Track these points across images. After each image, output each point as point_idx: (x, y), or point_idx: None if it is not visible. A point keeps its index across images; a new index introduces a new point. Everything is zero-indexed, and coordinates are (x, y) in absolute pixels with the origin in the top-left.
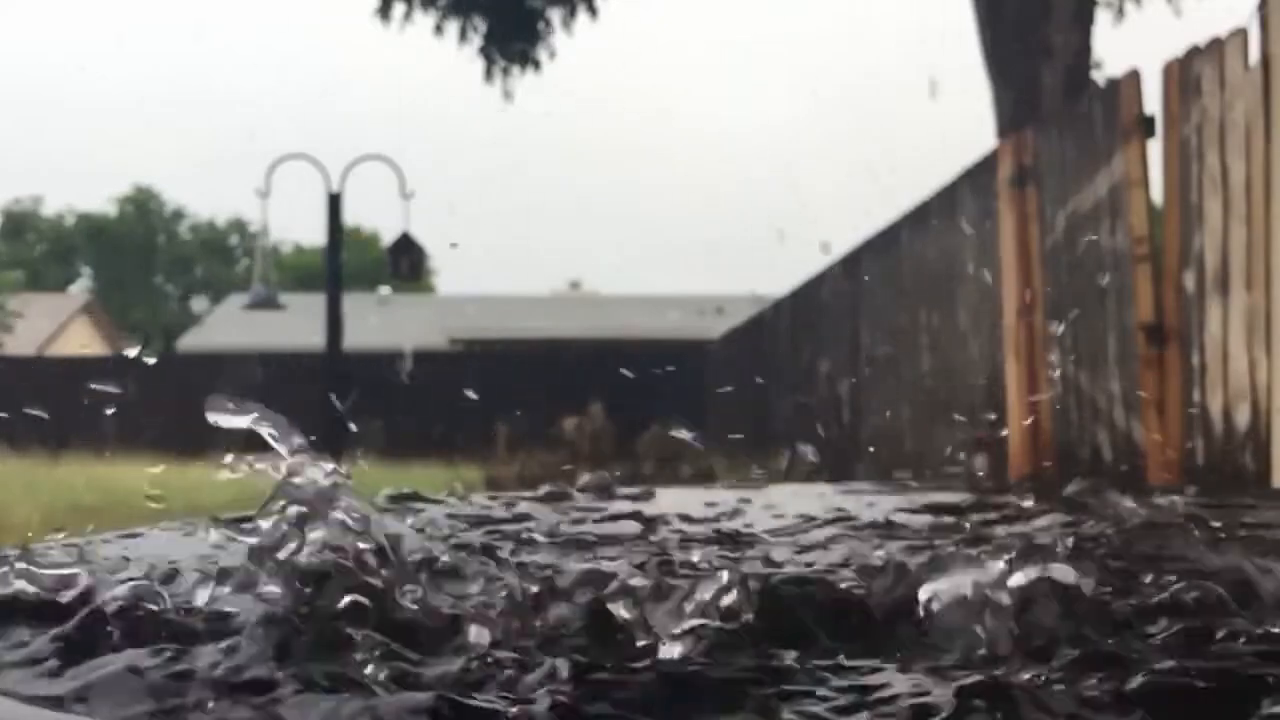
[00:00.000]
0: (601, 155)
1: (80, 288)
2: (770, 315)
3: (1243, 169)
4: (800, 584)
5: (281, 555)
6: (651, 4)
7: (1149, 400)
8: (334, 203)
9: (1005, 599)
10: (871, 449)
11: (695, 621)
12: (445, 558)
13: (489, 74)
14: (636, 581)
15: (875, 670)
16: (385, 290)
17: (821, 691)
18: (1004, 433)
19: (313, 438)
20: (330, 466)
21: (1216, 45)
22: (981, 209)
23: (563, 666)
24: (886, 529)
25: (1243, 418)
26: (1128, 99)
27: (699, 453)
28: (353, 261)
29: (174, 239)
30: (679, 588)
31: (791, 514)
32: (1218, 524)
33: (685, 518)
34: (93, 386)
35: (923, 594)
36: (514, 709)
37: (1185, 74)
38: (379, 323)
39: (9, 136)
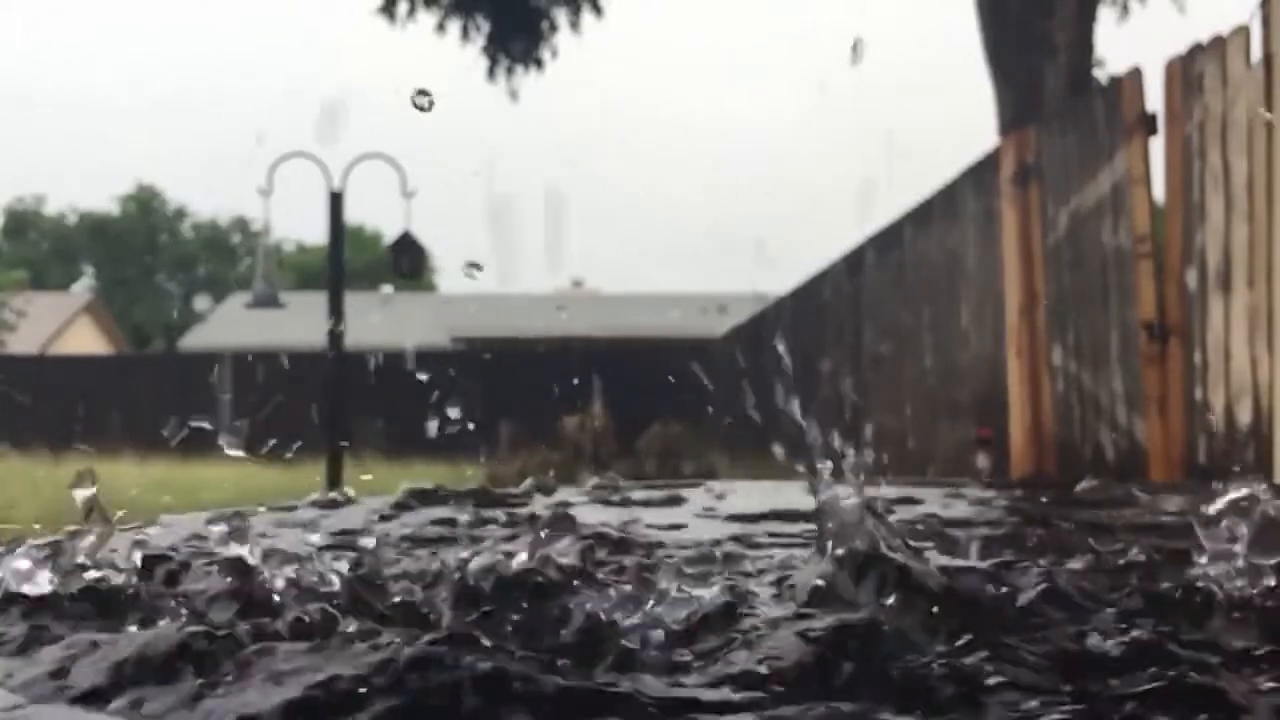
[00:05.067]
0: (603, 154)
1: (83, 287)
2: (772, 313)
3: (1244, 167)
4: None
5: None
6: (652, 4)
7: (1151, 397)
8: (336, 201)
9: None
10: (874, 447)
11: None
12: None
13: (492, 73)
14: None
15: None
16: (387, 289)
17: None
18: (1007, 430)
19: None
20: None
21: (1218, 43)
22: (983, 207)
23: None
24: None
25: (1244, 415)
26: (1130, 97)
27: (701, 451)
28: (355, 260)
29: (176, 237)
30: None
31: None
32: None
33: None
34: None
35: None
36: None
37: (1187, 72)
38: (381, 321)
39: (10, 136)
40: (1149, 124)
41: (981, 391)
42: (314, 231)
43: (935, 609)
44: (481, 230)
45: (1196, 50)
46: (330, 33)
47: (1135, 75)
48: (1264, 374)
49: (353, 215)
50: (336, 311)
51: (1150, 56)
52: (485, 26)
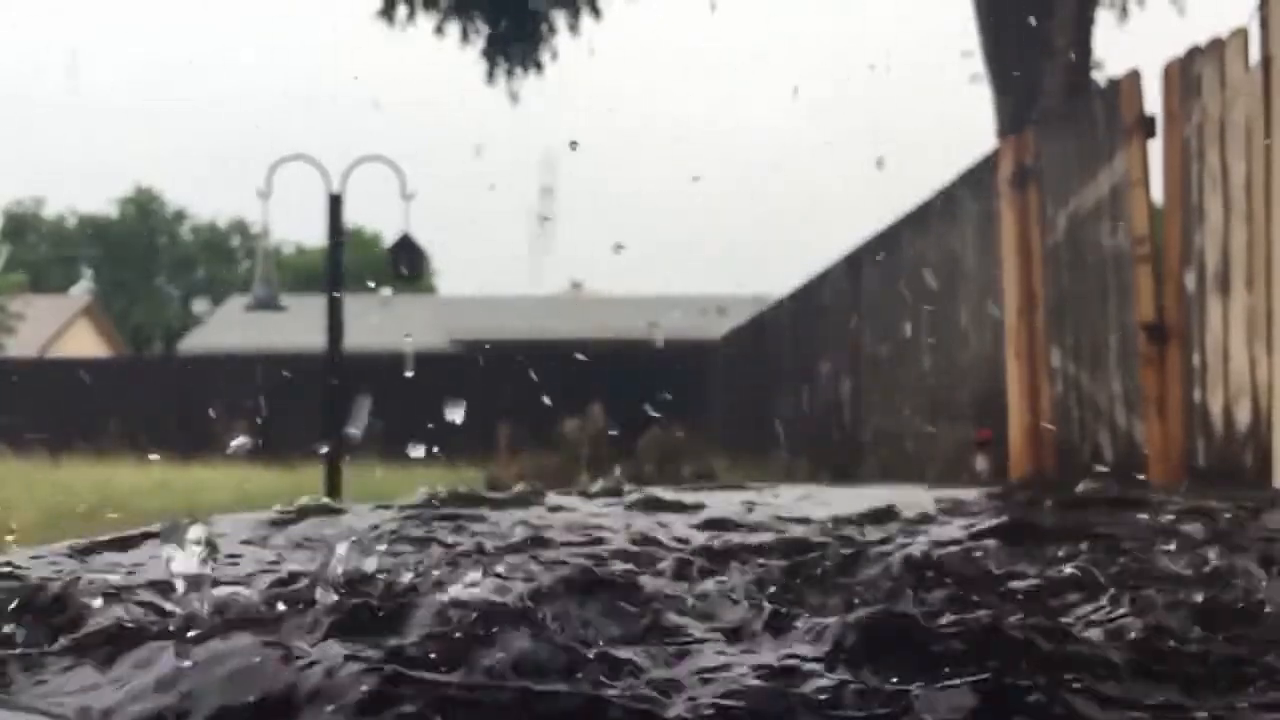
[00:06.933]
0: (602, 155)
1: (82, 289)
2: (771, 315)
3: (1243, 169)
4: None
5: None
6: (652, 5)
7: (1150, 399)
8: (335, 204)
9: None
10: (873, 449)
11: None
12: None
13: (491, 76)
14: None
15: None
16: (386, 291)
17: None
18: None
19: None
20: None
21: (1217, 45)
22: (982, 209)
23: None
24: None
25: (1243, 416)
26: (1128, 99)
27: (700, 453)
28: (354, 262)
29: (175, 240)
30: None
31: None
32: None
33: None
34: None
35: None
36: None
37: (1186, 74)
38: (380, 323)
39: (9, 136)
40: (1147, 126)
41: (981, 393)
42: (313, 234)
43: None
44: (480, 232)
45: (1195, 52)
46: (330, 35)
47: (1134, 77)
48: (1263, 375)
49: (352, 217)
50: (335, 314)
51: (1149, 58)
52: (484, 29)
